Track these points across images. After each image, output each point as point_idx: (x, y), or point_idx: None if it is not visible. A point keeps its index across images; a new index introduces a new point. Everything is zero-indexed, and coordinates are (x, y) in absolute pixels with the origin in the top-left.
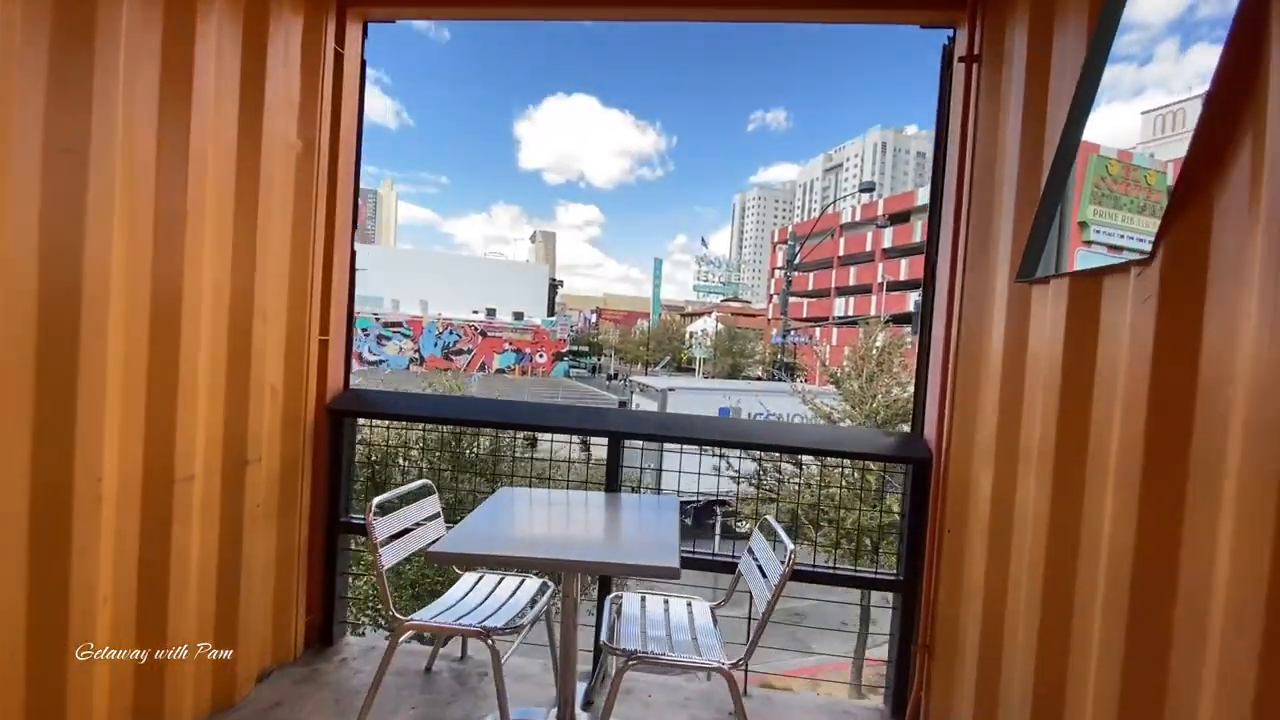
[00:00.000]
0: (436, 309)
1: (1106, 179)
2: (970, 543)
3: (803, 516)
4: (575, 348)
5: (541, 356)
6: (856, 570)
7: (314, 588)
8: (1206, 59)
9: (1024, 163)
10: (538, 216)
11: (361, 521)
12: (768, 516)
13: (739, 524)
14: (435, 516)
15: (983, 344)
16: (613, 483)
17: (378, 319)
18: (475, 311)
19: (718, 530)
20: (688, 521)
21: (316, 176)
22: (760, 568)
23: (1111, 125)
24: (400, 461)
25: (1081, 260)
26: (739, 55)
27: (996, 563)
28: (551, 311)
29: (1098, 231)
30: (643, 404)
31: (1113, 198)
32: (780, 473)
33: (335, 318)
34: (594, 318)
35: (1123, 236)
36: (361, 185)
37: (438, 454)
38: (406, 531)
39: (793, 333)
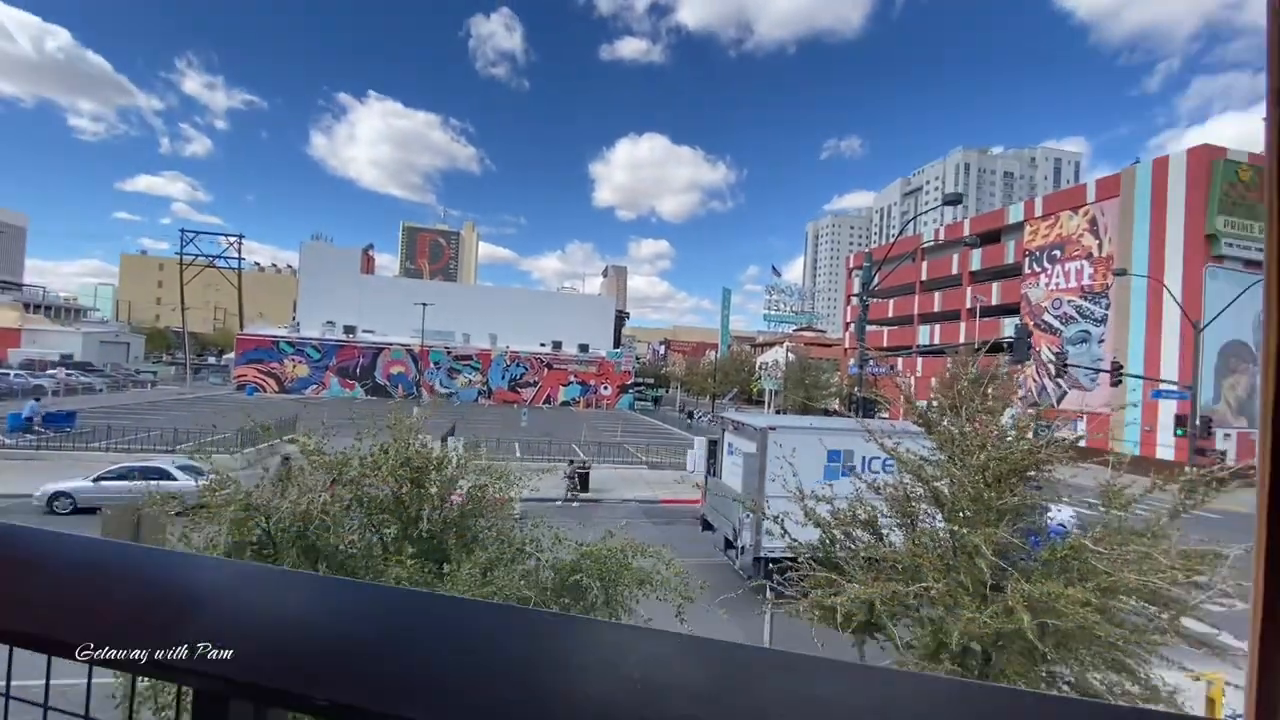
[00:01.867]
0: (505, 342)
1: (1237, 185)
2: None
3: None
4: (641, 379)
5: (606, 389)
6: None
7: None
8: None
9: None
10: (610, 253)
11: None
12: None
13: None
14: None
15: None
16: None
17: (449, 352)
18: (542, 344)
19: None
20: None
21: None
22: None
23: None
24: None
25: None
26: (809, 85)
27: None
28: (618, 344)
29: (1229, 245)
30: (738, 446)
31: (1246, 207)
32: None
33: None
34: (662, 350)
35: (1262, 249)
36: (446, 228)
37: None
38: None
39: (871, 362)
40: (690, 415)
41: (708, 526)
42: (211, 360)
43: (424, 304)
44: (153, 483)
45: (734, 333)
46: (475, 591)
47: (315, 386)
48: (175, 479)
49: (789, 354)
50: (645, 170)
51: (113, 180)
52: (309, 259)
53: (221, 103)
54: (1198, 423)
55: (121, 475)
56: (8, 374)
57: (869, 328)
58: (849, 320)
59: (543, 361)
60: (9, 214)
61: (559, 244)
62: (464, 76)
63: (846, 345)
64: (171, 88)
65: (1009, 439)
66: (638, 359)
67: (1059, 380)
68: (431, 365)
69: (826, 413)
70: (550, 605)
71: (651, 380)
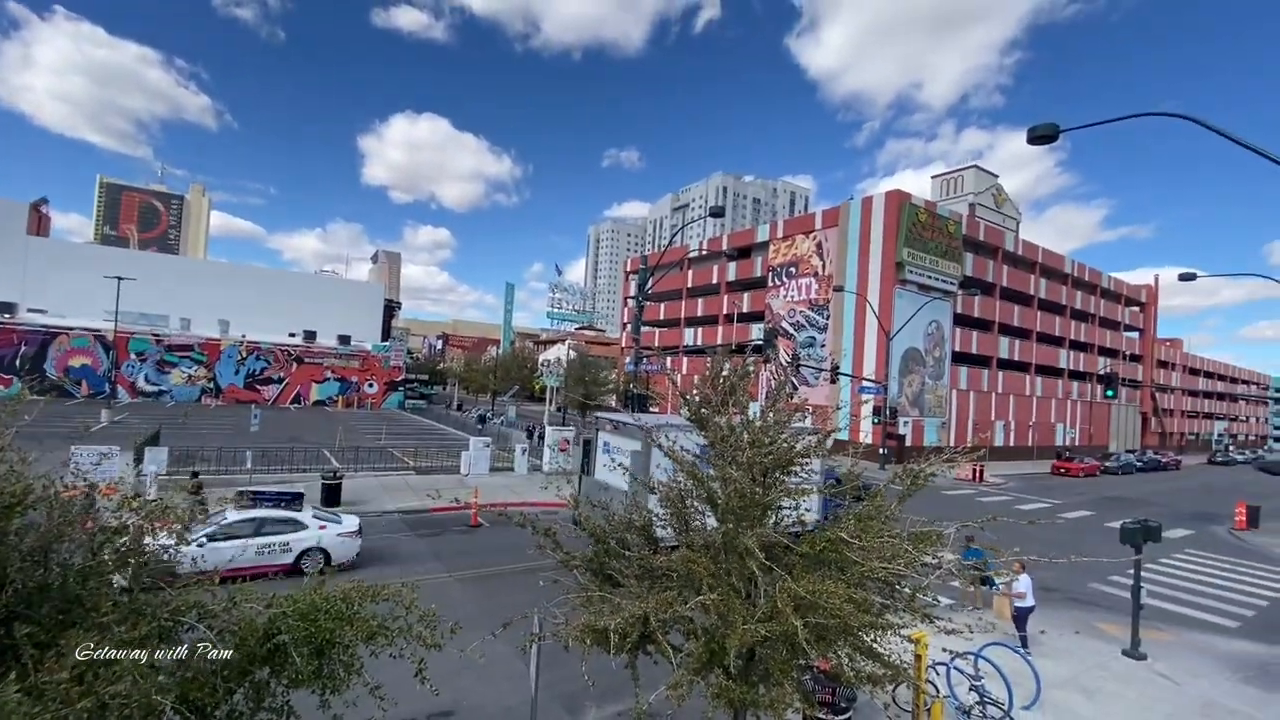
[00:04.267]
0: (241, 330)
1: (917, 225)
2: None
3: None
4: (414, 376)
5: (372, 386)
6: None
7: None
8: (976, 140)
9: None
10: (381, 237)
11: None
12: None
13: None
14: None
15: None
16: None
17: (159, 341)
18: (292, 334)
19: None
20: None
21: None
22: None
23: (912, 184)
24: None
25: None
26: (593, 93)
27: None
28: (387, 336)
29: (911, 271)
30: (616, 445)
31: (922, 242)
32: None
33: None
34: (440, 344)
35: (931, 277)
36: (165, 189)
37: None
38: None
39: (645, 361)
40: (483, 419)
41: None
42: None
43: (119, 278)
44: None
45: (517, 329)
46: (52, 714)
47: None
48: None
49: (570, 351)
50: (424, 152)
51: None
52: None
53: None
54: (888, 412)
55: None
56: None
57: (643, 328)
58: (626, 320)
59: (290, 354)
60: None
61: (319, 222)
62: (196, 10)
63: (624, 344)
64: None
65: (770, 433)
66: (410, 354)
67: (793, 378)
68: (132, 356)
69: (601, 408)
70: (221, 700)
71: (426, 377)
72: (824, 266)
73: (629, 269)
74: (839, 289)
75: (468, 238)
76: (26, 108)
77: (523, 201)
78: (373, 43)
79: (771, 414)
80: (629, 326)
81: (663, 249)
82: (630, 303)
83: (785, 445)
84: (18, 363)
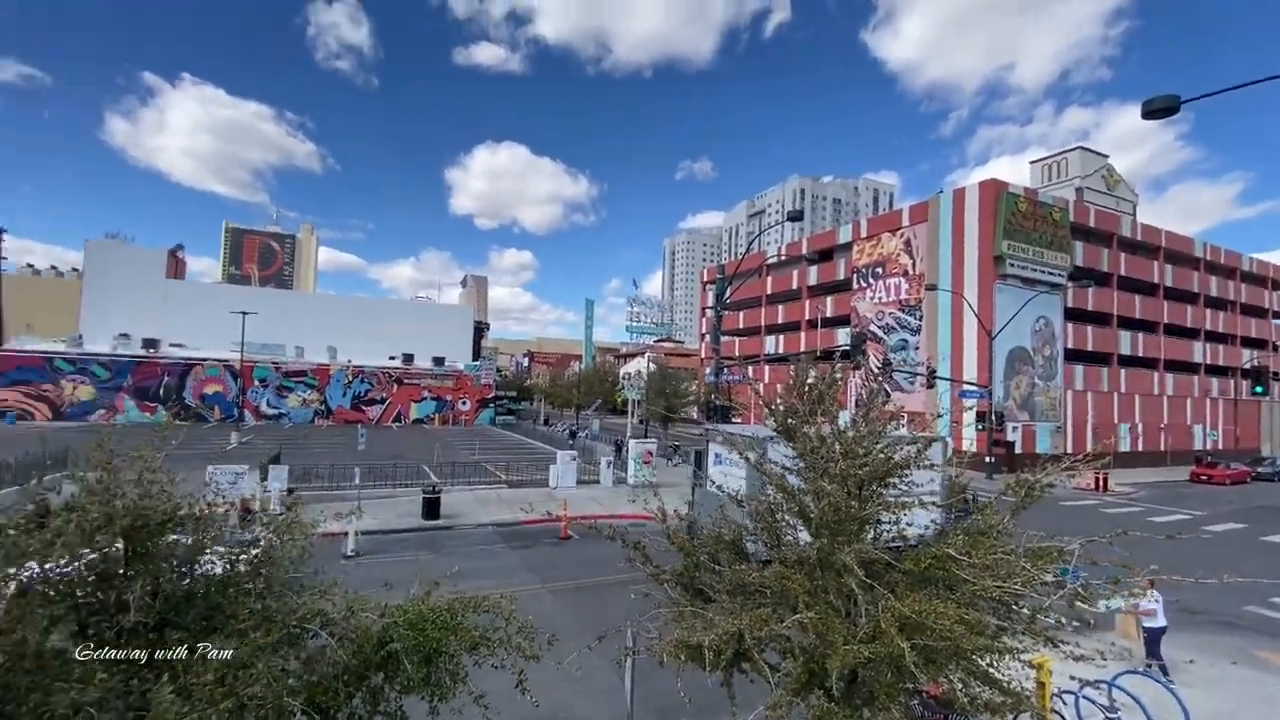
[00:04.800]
0: (347, 355)
1: (1017, 215)
2: None
3: None
4: (503, 393)
5: (465, 404)
6: None
7: None
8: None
9: None
10: (469, 262)
11: None
12: None
13: None
14: None
15: None
16: None
17: (278, 368)
18: (392, 358)
19: None
20: None
21: None
22: None
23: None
24: None
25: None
26: (665, 108)
27: None
28: (477, 356)
29: (1012, 264)
30: (727, 456)
31: (1024, 233)
32: None
33: None
34: (526, 362)
35: (1036, 269)
36: (279, 230)
37: None
38: None
39: (726, 371)
40: (573, 434)
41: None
42: None
43: (245, 313)
44: None
45: (597, 344)
46: (199, 714)
47: (105, 411)
48: None
49: (650, 364)
50: (505, 180)
51: None
52: (97, 260)
53: None
54: (994, 418)
55: None
56: None
57: (723, 338)
58: (704, 331)
59: (392, 376)
60: None
61: (412, 251)
62: (303, 67)
63: (703, 355)
64: None
65: (865, 443)
66: (499, 372)
67: (884, 384)
68: (256, 383)
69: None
70: (342, 704)
71: (514, 394)
72: (914, 265)
73: (705, 279)
74: (932, 288)
75: (548, 258)
76: (163, 166)
77: (599, 219)
78: (455, 80)
79: (864, 423)
80: (708, 337)
81: (740, 257)
82: (708, 313)
83: (882, 456)
84: (161, 392)
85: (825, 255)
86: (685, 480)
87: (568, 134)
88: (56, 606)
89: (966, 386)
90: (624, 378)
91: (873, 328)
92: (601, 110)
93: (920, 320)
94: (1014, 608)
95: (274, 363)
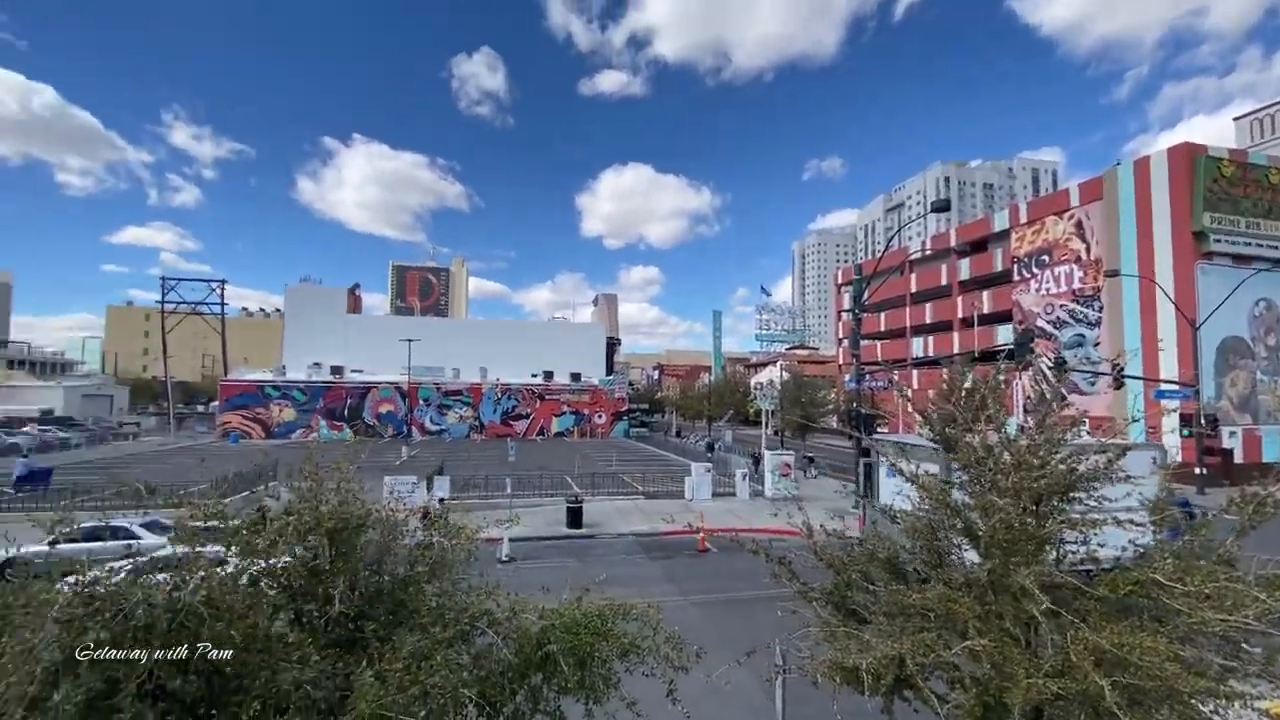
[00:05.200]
0: (496, 374)
1: (1220, 181)
2: None
3: None
4: (636, 406)
5: (600, 417)
6: None
7: None
8: None
9: None
10: (599, 281)
11: None
12: None
13: None
14: None
15: None
16: None
17: (439, 388)
18: (534, 375)
19: None
20: None
21: None
22: None
23: (1202, 135)
24: None
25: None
26: (787, 109)
27: None
28: (610, 371)
29: (1218, 241)
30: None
31: (1231, 202)
32: None
33: None
34: (656, 375)
35: (1250, 243)
36: (435, 265)
37: None
38: None
39: (868, 377)
40: (711, 447)
41: None
42: (200, 408)
43: (409, 340)
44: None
45: (726, 354)
46: (391, 698)
47: (303, 430)
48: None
49: (783, 373)
50: (631, 199)
51: (100, 233)
52: (294, 301)
53: (209, 152)
54: (1203, 421)
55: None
56: None
57: (862, 342)
58: (841, 336)
59: (534, 393)
60: None
61: (549, 275)
62: (449, 116)
63: (840, 361)
64: (159, 140)
65: (1041, 453)
66: (631, 385)
67: (1060, 386)
68: (421, 402)
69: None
70: (507, 700)
71: (646, 406)
72: (1088, 250)
73: (840, 281)
74: (1113, 274)
75: (674, 272)
76: (342, 216)
77: (723, 229)
78: (582, 110)
79: (1040, 430)
80: (845, 341)
81: (878, 255)
82: (845, 316)
83: (1062, 467)
84: (346, 413)
85: (978, 246)
86: (827, 494)
87: (689, 148)
88: (278, 596)
89: (1165, 385)
90: (755, 387)
91: (1041, 323)
92: (722, 120)
93: (1100, 312)
94: (1245, 645)
95: (435, 383)
